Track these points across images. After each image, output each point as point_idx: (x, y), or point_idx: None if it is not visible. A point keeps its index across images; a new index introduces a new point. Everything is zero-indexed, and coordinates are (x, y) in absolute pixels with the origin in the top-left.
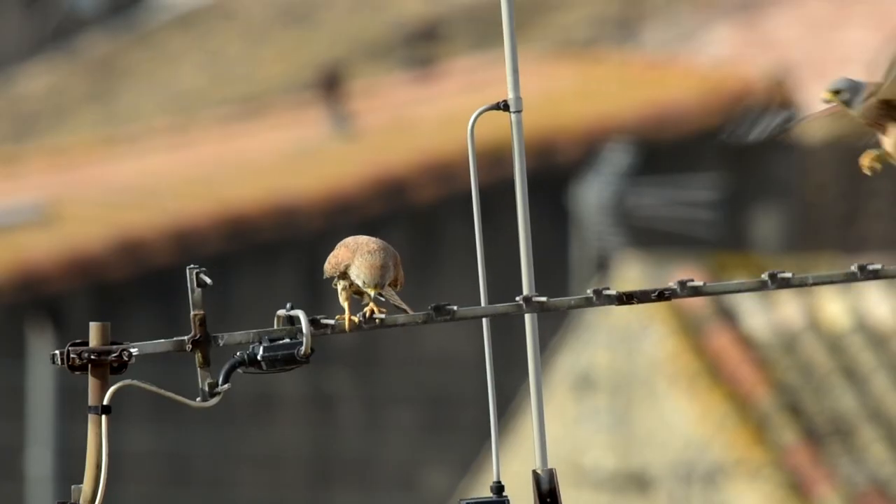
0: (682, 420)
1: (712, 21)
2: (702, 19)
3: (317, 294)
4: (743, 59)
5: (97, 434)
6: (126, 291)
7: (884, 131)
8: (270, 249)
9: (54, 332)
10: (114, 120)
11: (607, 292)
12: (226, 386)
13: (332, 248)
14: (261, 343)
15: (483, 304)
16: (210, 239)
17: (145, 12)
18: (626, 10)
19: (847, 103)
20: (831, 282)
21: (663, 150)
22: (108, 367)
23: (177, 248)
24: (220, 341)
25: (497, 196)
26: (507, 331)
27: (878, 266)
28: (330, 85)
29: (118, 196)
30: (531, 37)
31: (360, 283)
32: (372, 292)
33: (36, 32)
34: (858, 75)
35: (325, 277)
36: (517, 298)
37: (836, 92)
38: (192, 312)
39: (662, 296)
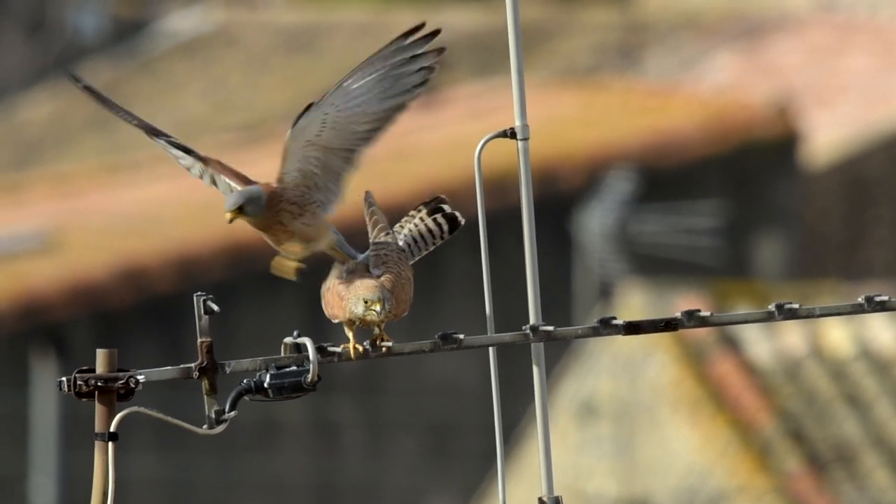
0: (685, 447)
1: (714, 49)
2: (704, 47)
3: (320, 321)
4: (745, 86)
5: (104, 461)
6: (129, 319)
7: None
8: (273, 277)
9: (57, 360)
10: (116, 147)
11: (614, 322)
12: (233, 413)
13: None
14: (268, 371)
15: (490, 333)
16: (213, 266)
17: (148, 40)
18: (628, 38)
19: (252, 214)
20: (839, 313)
21: (666, 178)
22: (115, 394)
23: (180, 276)
24: (227, 369)
25: (500, 224)
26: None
27: (885, 298)
28: None
29: (121, 224)
30: (534, 64)
31: (361, 309)
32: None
33: (38, 60)
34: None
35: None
36: (524, 328)
37: (239, 209)
38: (199, 340)
39: (670, 326)
